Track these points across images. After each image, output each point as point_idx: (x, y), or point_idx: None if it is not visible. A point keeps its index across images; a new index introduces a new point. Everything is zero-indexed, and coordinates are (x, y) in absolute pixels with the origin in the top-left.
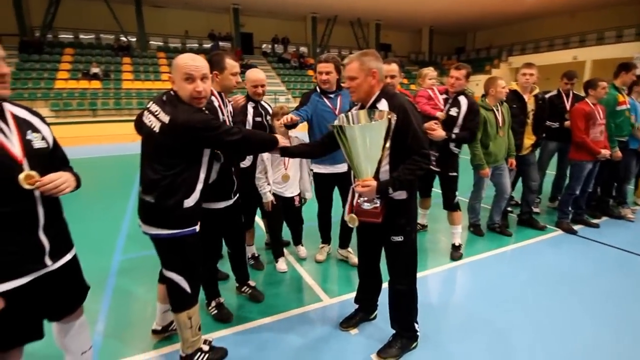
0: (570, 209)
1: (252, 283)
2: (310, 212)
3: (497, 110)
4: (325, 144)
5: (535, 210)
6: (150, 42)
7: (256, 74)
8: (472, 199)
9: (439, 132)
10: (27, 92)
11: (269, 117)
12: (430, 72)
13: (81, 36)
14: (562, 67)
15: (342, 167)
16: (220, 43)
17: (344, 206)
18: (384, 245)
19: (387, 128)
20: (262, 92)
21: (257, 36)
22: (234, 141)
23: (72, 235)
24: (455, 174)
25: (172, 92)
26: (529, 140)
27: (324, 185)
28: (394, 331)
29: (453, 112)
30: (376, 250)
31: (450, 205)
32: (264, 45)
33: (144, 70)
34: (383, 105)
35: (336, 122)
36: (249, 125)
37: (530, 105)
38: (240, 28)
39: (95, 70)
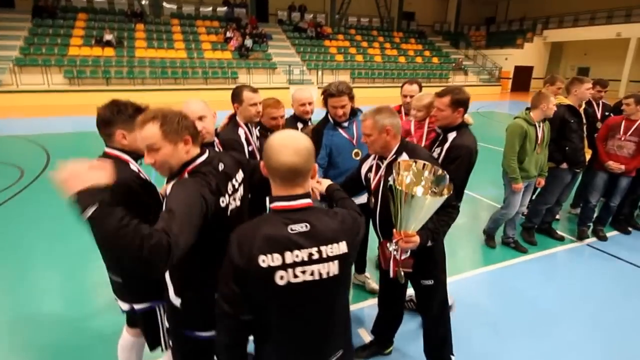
0: (591, 219)
1: None
2: None
3: (539, 126)
4: (354, 185)
5: (556, 217)
6: (164, 7)
7: (302, 92)
8: (499, 212)
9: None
10: (41, 58)
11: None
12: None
13: (95, 0)
14: (602, 43)
15: (362, 199)
16: (235, 9)
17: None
18: (415, 287)
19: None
20: (310, 110)
21: (272, 2)
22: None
23: None
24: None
25: None
26: (586, 154)
27: None
28: None
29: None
30: (400, 287)
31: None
32: (279, 12)
33: (157, 38)
34: (405, 158)
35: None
36: None
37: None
38: None
39: (108, 37)
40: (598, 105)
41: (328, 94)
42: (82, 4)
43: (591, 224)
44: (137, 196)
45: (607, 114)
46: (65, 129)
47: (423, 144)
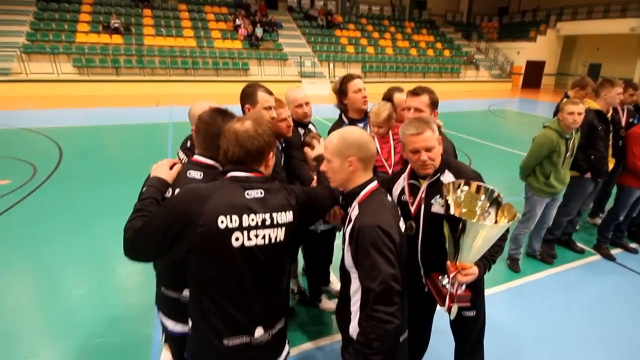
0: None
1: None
2: None
3: (571, 139)
4: None
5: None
6: None
7: (295, 92)
8: (518, 228)
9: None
10: (49, 45)
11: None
12: (380, 111)
13: None
14: (615, 38)
15: None
16: None
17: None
18: (453, 319)
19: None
20: (308, 111)
21: None
22: None
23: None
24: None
25: None
26: (609, 163)
27: None
28: None
29: (436, 206)
30: (429, 310)
31: None
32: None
33: (165, 25)
34: (448, 177)
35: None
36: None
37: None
38: None
39: (115, 23)
40: (623, 110)
41: (348, 77)
42: None
43: (609, 238)
44: None
45: (631, 120)
46: (77, 122)
47: (393, 159)
